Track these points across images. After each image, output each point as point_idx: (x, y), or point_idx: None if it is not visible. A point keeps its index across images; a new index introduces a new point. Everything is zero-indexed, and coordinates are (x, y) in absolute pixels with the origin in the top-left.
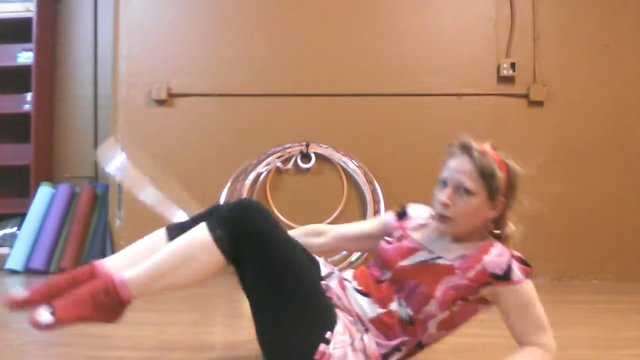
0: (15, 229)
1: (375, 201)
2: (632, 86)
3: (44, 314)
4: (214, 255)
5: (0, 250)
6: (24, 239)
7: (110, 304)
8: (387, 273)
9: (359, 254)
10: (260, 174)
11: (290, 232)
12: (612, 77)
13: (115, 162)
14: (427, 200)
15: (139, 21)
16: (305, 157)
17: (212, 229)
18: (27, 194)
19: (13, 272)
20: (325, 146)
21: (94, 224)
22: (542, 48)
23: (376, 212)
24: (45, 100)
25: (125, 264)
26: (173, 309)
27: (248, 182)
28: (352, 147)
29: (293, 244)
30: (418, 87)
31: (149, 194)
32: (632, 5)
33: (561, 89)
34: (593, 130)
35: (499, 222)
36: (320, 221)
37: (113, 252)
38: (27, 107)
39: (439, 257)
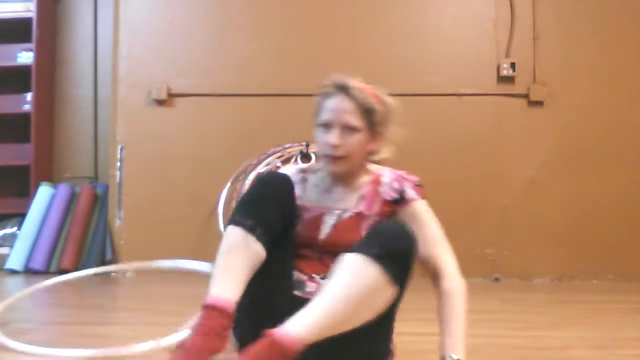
0: (15, 229)
1: None
2: (632, 86)
3: None
4: (392, 292)
5: (0, 250)
6: (24, 239)
7: None
8: (315, 250)
9: None
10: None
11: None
12: (612, 77)
13: None
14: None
15: (139, 21)
16: (305, 157)
17: (386, 270)
18: (27, 194)
19: (13, 272)
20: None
21: (94, 224)
22: (542, 48)
23: None
24: (45, 100)
25: (237, 289)
26: (174, 309)
27: (248, 182)
28: None
29: None
30: (418, 87)
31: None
32: (632, 5)
33: (561, 89)
34: (593, 130)
35: (375, 151)
36: None
37: (113, 252)
38: (27, 107)
39: (345, 211)
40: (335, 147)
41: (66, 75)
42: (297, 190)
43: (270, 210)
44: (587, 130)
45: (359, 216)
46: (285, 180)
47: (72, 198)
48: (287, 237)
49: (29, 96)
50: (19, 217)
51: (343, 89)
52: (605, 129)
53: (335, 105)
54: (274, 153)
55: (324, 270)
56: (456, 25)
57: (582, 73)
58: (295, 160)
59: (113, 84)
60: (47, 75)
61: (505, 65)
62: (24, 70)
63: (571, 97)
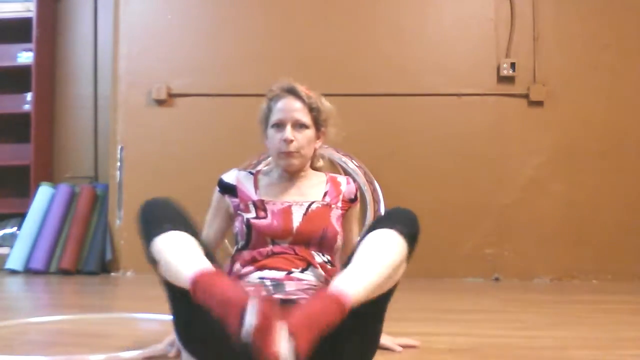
0: (15, 229)
1: (375, 201)
2: (632, 86)
3: (283, 344)
4: (405, 267)
5: (0, 250)
6: (24, 239)
7: (333, 325)
8: (284, 242)
9: None
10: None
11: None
12: (613, 77)
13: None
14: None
15: (139, 21)
16: None
17: (408, 242)
18: (27, 194)
19: (13, 272)
20: (325, 146)
21: (94, 224)
22: (542, 48)
23: (376, 212)
24: (45, 100)
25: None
26: None
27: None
28: (352, 147)
29: None
30: (418, 87)
31: None
32: (632, 5)
33: (561, 89)
34: (593, 130)
35: (316, 151)
36: None
37: (113, 252)
38: (27, 107)
39: (313, 202)
40: (289, 141)
41: (66, 75)
42: (250, 189)
43: (169, 216)
44: (587, 130)
45: (328, 207)
46: (162, 198)
47: (72, 198)
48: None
49: (29, 96)
50: (19, 217)
51: (291, 91)
52: (605, 128)
53: (286, 105)
54: None
55: (301, 264)
56: (456, 25)
57: (582, 73)
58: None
59: (113, 83)
60: (47, 75)
61: (505, 65)
62: (24, 70)
63: (571, 97)
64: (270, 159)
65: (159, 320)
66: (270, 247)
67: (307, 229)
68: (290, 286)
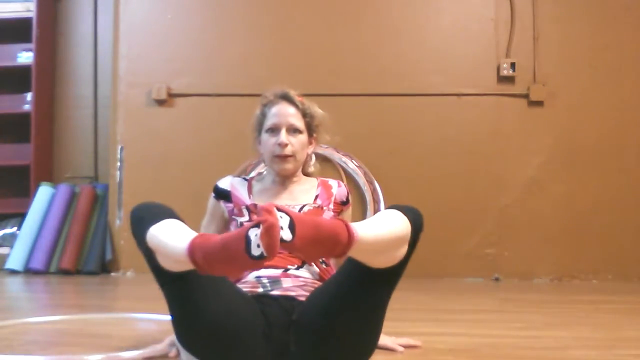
0: (15, 229)
1: (375, 201)
2: (632, 86)
3: (286, 230)
4: (404, 251)
5: (0, 250)
6: (24, 239)
7: (335, 248)
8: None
9: None
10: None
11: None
12: (612, 77)
13: None
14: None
15: (139, 21)
16: None
17: (412, 228)
18: (27, 194)
19: (13, 272)
20: (325, 146)
21: (94, 224)
22: (542, 48)
23: (376, 212)
24: (45, 100)
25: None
26: None
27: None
28: (352, 147)
29: None
30: (418, 87)
31: None
32: (632, 5)
33: (561, 89)
34: (593, 130)
35: (308, 156)
36: None
37: (113, 252)
38: (27, 107)
39: (305, 205)
40: (284, 145)
41: (66, 75)
42: (244, 194)
43: (163, 214)
44: (587, 130)
45: (319, 209)
46: (153, 202)
47: (72, 198)
48: None
49: (29, 96)
50: (19, 217)
51: (285, 97)
52: (605, 128)
53: (280, 111)
54: None
55: (296, 262)
56: (456, 25)
57: (582, 73)
58: None
59: (113, 83)
60: (47, 75)
61: (505, 65)
62: (24, 70)
63: (571, 97)
64: (263, 165)
65: (159, 320)
66: None
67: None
68: (287, 282)
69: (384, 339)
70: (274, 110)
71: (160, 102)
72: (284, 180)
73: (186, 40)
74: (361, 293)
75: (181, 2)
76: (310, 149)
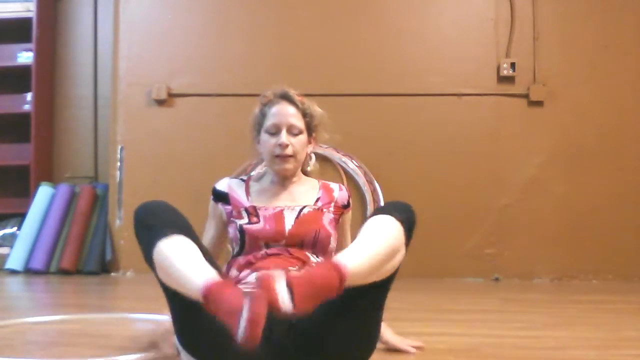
0: (15, 229)
1: (375, 201)
2: (632, 86)
3: (285, 299)
4: (403, 253)
5: (0, 250)
6: (24, 239)
7: (330, 294)
8: (277, 245)
9: None
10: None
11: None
12: (612, 77)
13: None
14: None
15: (139, 21)
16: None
17: (406, 229)
18: (27, 194)
19: (13, 272)
20: (325, 146)
21: (94, 224)
22: (542, 48)
23: None
24: (45, 100)
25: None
26: None
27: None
28: (352, 147)
29: None
30: (418, 87)
31: None
32: (632, 5)
33: (561, 89)
34: (593, 130)
35: (307, 155)
36: None
37: (113, 252)
38: (27, 107)
39: (305, 206)
40: (285, 146)
41: (66, 75)
42: (242, 196)
43: (168, 219)
44: (587, 130)
45: (320, 211)
46: (159, 201)
47: (72, 198)
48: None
49: (29, 96)
50: (19, 217)
51: (285, 97)
52: (605, 128)
53: (281, 111)
54: None
55: (297, 263)
56: (456, 25)
57: (582, 73)
58: None
59: (113, 83)
60: (47, 75)
61: (505, 65)
62: (24, 70)
63: (571, 97)
64: (262, 165)
65: (159, 321)
66: (264, 250)
67: (299, 231)
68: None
69: (394, 339)
70: (274, 110)
71: (160, 102)
72: (283, 180)
73: (186, 40)
74: (358, 296)
75: (181, 2)
76: (310, 149)
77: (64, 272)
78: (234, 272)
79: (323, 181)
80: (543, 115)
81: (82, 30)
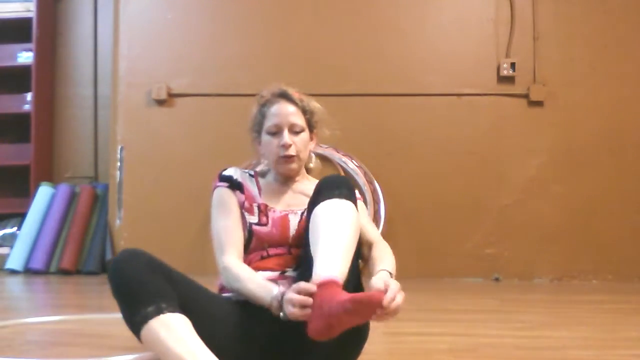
0: (15, 229)
1: (375, 201)
2: (632, 86)
3: None
4: (354, 208)
5: (0, 250)
6: (24, 239)
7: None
8: (283, 246)
9: None
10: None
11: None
12: (612, 77)
13: None
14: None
15: (139, 21)
16: None
17: (353, 200)
18: (27, 194)
19: (13, 272)
20: (325, 146)
21: (94, 224)
22: (542, 48)
23: (376, 212)
24: (45, 100)
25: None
26: None
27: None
28: (352, 147)
29: None
30: (418, 87)
31: None
32: (632, 5)
33: (561, 89)
34: (593, 130)
35: (309, 152)
36: None
37: (113, 252)
38: (27, 107)
39: (305, 210)
40: (288, 146)
41: (66, 75)
42: (255, 190)
43: (149, 283)
44: (587, 130)
45: None
46: (133, 254)
47: (72, 198)
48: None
49: (29, 96)
50: (19, 217)
51: (283, 96)
52: (605, 128)
53: (280, 110)
54: None
55: (294, 263)
56: (456, 25)
57: (582, 73)
58: None
59: (113, 83)
60: (47, 75)
61: (505, 65)
62: (24, 70)
63: (571, 97)
64: (265, 162)
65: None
66: (266, 250)
67: (300, 237)
68: (284, 285)
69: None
70: (274, 110)
71: (160, 102)
72: (286, 180)
73: (186, 40)
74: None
75: (181, 2)
76: (312, 145)
77: (64, 272)
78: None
79: None
80: (543, 115)
81: (82, 30)
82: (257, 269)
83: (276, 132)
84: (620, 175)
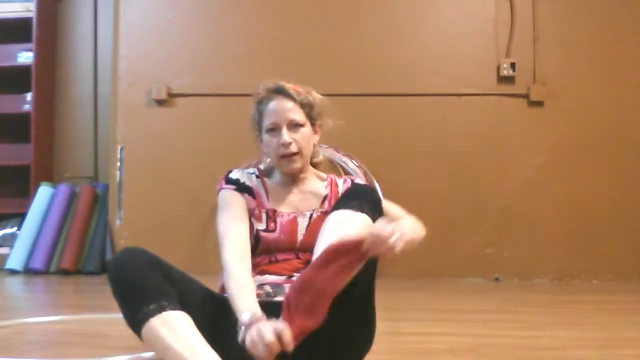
0: (15, 229)
1: None
2: (632, 86)
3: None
4: (370, 223)
5: (0, 250)
6: (24, 239)
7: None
8: (291, 251)
9: None
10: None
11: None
12: (612, 77)
13: None
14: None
15: (139, 21)
16: None
17: (372, 214)
18: (27, 194)
19: (13, 272)
20: (325, 146)
21: (94, 224)
22: (542, 48)
23: None
24: (45, 100)
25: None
26: None
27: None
28: (352, 147)
29: None
30: (418, 87)
31: None
32: (632, 5)
33: (561, 89)
34: (593, 130)
35: (314, 146)
36: None
37: (113, 252)
38: (27, 107)
39: (314, 211)
40: (288, 144)
41: (66, 75)
42: (264, 195)
43: (150, 281)
44: (587, 130)
45: (327, 214)
46: (133, 252)
47: (72, 198)
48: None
49: (29, 96)
50: (19, 217)
51: (279, 91)
52: (605, 129)
53: (277, 107)
54: None
55: (302, 267)
56: (456, 25)
57: (582, 73)
58: None
59: (113, 83)
60: (47, 75)
61: (505, 65)
62: (24, 70)
63: (571, 97)
64: (269, 159)
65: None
66: (274, 255)
67: (309, 241)
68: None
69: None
70: (271, 107)
71: (160, 102)
72: (292, 179)
73: (186, 40)
74: (347, 288)
75: (181, 2)
76: (316, 139)
77: (64, 272)
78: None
79: (332, 176)
80: (543, 115)
81: (82, 30)
82: (264, 272)
83: (275, 129)
84: (620, 175)
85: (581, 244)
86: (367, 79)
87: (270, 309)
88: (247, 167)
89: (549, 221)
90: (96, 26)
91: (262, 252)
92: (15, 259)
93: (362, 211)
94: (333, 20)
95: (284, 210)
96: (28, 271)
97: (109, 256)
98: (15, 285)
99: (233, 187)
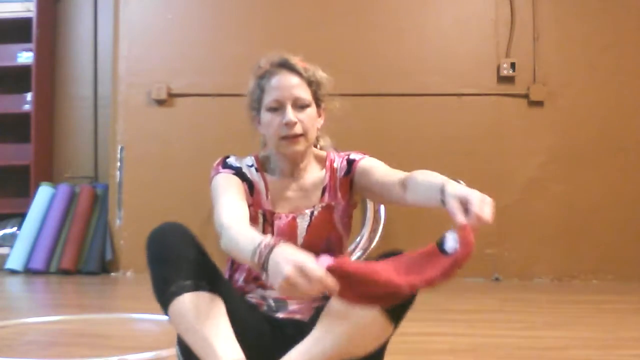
0: (15, 229)
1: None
2: (632, 86)
3: None
4: (391, 327)
5: (0, 250)
6: (24, 239)
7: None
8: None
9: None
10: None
11: None
12: (612, 77)
13: None
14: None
15: (139, 21)
16: None
17: (394, 321)
18: (27, 194)
19: (13, 272)
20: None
21: (94, 224)
22: (542, 48)
23: (376, 212)
24: (45, 100)
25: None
26: None
27: None
28: (352, 147)
29: None
30: (418, 87)
31: None
32: (632, 5)
33: (561, 89)
34: (593, 130)
35: (318, 130)
36: None
37: (113, 252)
38: (27, 107)
39: (314, 208)
40: (293, 124)
41: (66, 75)
42: (264, 193)
43: (190, 258)
44: (587, 130)
45: (328, 208)
46: (177, 226)
47: (72, 198)
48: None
49: (29, 96)
50: (19, 217)
51: (285, 65)
52: (605, 128)
53: (282, 82)
54: None
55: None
56: (456, 25)
57: (582, 73)
58: None
59: (113, 83)
60: (47, 75)
61: (505, 65)
62: (24, 70)
63: (571, 97)
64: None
65: (158, 321)
66: None
67: (310, 241)
68: (292, 305)
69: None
70: (274, 82)
71: (160, 102)
72: (292, 168)
73: (186, 40)
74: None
75: (181, 2)
76: (320, 122)
77: (64, 272)
78: (239, 278)
79: (330, 157)
80: (543, 115)
81: (82, 30)
82: (265, 287)
83: (278, 108)
84: (620, 175)
85: (581, 244)
86: (367, 78)
87: (275, 325)
88: (244, 157)
89: (549, 221)
90: (96, 26)
91: None
92: (16, 259)
93: (386, 312)
94: (333, 20)
95: (282, 210)
96: (28, 271)
97: (109, 256)
98: (15, 285)
99: (231, 171)
